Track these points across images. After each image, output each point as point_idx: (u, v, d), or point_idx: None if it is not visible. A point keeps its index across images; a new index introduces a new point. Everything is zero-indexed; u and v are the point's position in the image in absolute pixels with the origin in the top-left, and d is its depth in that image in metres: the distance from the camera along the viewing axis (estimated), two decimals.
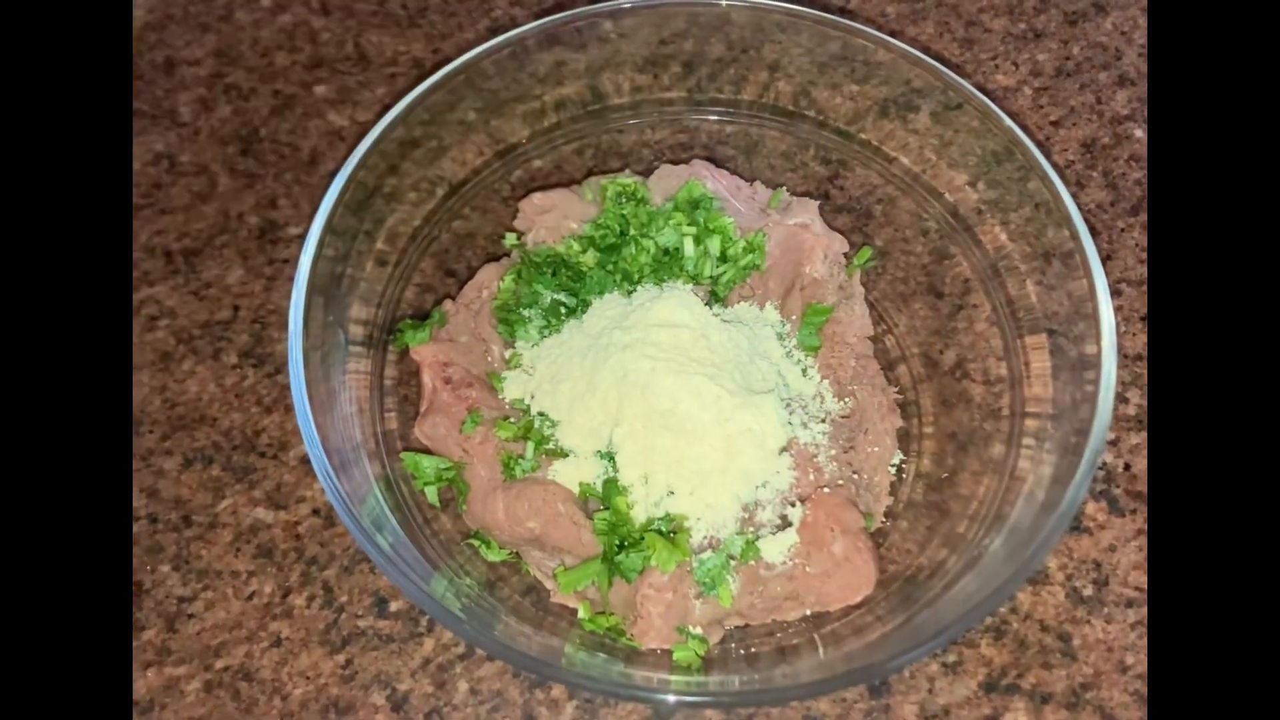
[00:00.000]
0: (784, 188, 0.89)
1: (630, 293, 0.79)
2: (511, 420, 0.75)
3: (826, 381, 0.79)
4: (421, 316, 0.83)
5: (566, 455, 0.73)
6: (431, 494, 0.74)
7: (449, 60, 0.83)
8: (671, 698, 0.60)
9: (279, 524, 0.81)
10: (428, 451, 0.76)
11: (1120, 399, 0.85)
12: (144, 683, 0.75)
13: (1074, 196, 0.75)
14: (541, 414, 0.75)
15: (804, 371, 0.78)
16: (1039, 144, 0.79)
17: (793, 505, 0.72)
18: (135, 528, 0.81)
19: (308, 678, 0.75)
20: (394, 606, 0.77)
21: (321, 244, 0.74)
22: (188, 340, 0.91)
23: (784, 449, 0.72)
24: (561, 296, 0.79)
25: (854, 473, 0.75)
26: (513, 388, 0.78)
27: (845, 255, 0.86)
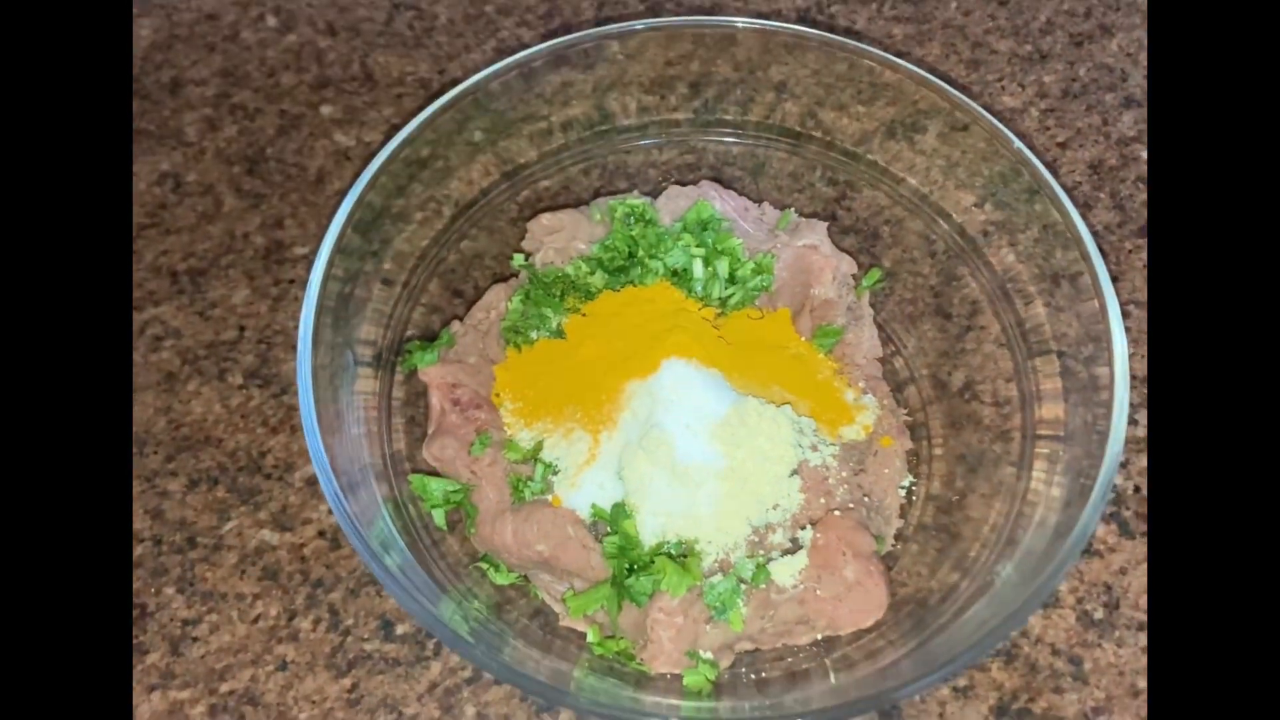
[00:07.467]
0: (792, 209, 0.89)
1: None
2: (520, 441, 0.75)
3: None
4: (429, 337, 0.83)
5: (575, 478, 0.73)
6: (439, 516, 0.74)
7: (455, 81, 0.83)
8: None
9: (284, 546, 0.81)
10: (436, 473, 0.76)
11: (1130, 421, 0.84)
12: (148, 706, 0.74)
13: (1081, 218, 0.75)
14: (548, 435, 0.75)
15: None
16: (1046, 165, 0.79)
17: (803, 528, 0.71)
18: (139, 550, 0.81)
19: (313, 701, 0.74)
20: (400, 630, 0.77)
21: (330, 264, 0.73)
22: (193, 360, 0.90)
23: (794, 471, 0.72)
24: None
25: (864, 495, 0.75)
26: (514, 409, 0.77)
27: (854, 276, 0.86)
